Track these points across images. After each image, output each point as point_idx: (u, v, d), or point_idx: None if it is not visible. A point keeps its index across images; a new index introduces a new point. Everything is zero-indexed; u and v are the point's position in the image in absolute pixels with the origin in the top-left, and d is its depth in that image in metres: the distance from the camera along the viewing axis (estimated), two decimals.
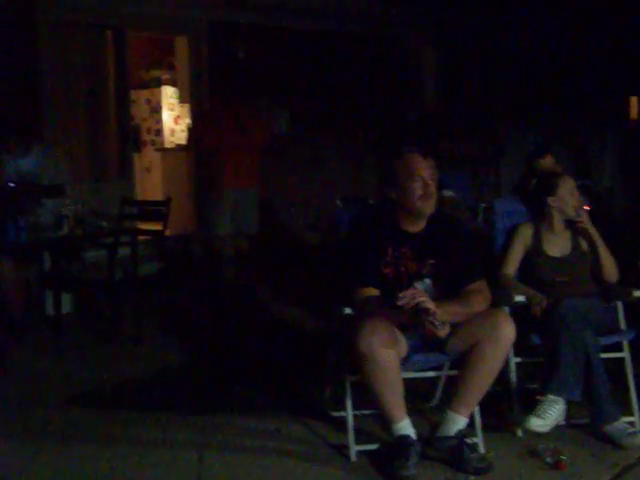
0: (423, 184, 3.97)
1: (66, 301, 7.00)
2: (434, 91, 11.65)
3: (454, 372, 4.17)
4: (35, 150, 6.85)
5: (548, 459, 3.94)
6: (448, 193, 6.89)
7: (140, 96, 11.11)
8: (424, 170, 3.99)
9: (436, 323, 3.75)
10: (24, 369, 5.67)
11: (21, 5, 7.82)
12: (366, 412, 4.26)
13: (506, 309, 4.32)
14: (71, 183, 7.07)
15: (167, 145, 11.14)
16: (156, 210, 7.34)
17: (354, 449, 4.02)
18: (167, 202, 7.19)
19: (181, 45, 10.04)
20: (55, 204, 6.43)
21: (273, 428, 4.42)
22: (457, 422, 3.94)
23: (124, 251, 6.43)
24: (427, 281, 4.05)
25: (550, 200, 4.69)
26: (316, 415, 4.55)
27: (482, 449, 4.04)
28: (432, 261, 4.06)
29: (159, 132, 11.25)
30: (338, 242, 4.55)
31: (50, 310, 6.89)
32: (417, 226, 4.08)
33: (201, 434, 4.37)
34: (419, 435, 3.91)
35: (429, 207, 4.01)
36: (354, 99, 10.34)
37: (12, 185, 6.17)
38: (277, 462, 4.03)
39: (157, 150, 11.09)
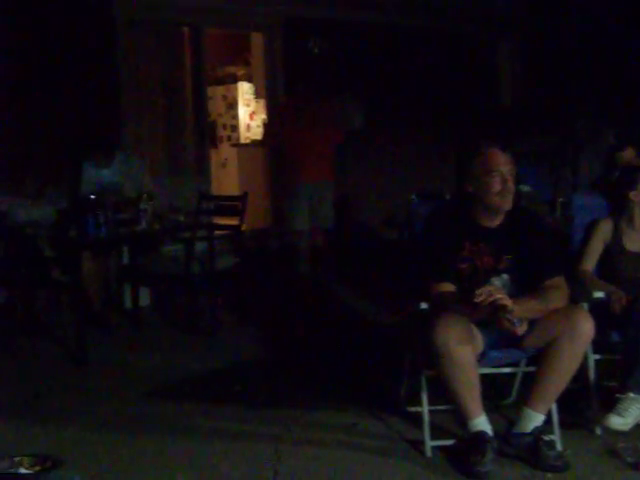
0: (501, 179, 3.93)
1: (144, 295, 7.12)
2: (512, 86, 11.52)
3: (531, 368, 4.12)
4: (118, 160, 6.98)
5: (629, 459, 3.87)
6: (525, 188, 6.80)
7: (216, 92, 11.21)
8: (502, 165, 3.95)
9: (514, 321, 3.71)
10: (104, 361, 5.77)
11: (99, 4, 7.94)
12: (442, 407, 4.23)
13: (585, 305, 4.25)
14: (151, 185, 7.20)
15: (243, 140, 11.23)
16: (232, 205, 7.40)
17: (429, 444, 4.01)
18: (243, 197, 7.24)
19: (257, 41, 10.10)
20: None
21: (349, 423, 4.43)
22: (534, 419, 3.90)
23: (201, 245, 6.51)
24: (504, 277, 4.01)
25: (631, 194, 4.61)
26: (392, 410, 4.54)
27: (559, 447, 3.98)
28: (509, 256, 4.02)
29: (235, 128, 11.35)
30: (414, 237, 4.52)
31: (128, 303, 7.01)
32: (494, 221, 4.05)
33: (278, 427, 4.40)
34: (495, 432, 3.88)
35: (507, 203, 3.96)
36: (431, 94, 10.28)
37: (93, 197, 6.29)
38: (353, 456, 4.03)
39: (233, 145, 11.19)
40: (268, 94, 9.71)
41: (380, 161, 9.91)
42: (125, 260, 7.06)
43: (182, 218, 6.72)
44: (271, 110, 9.49)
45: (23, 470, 2.08)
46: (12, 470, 2.08)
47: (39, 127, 7.54)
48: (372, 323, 6.51)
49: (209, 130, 9.71)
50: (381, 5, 9.63)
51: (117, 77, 8.18)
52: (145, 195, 6.27)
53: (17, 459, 2.07)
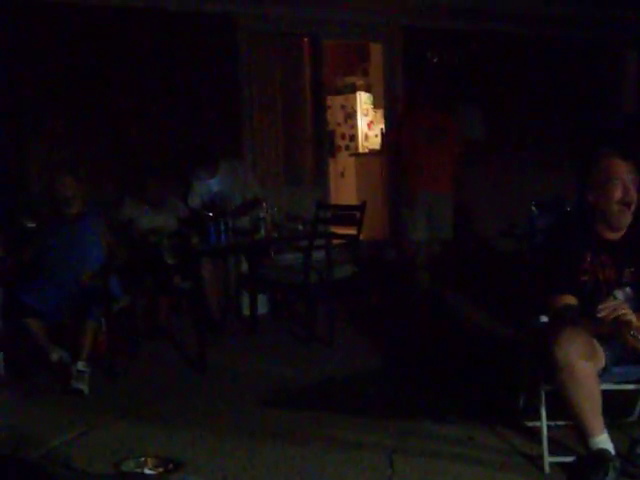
0: (623, 188, 3.84)
1: (262, 302, 7.20)
2: (636, 95, 11.21)
3: None
4: (222, 169, 7.11)
5: None
6: None
7: (335, 102, 11.28)
8: (624, 173, 3.85)
9: (638, 337, 3.60)
10: (222, 368, 5.87)
11: (221, 17, 8.10)
12: (561, 423, 4.14)
13: None
14: (262, 192, 7.29)
15: (361, 150, 11.26)
16: (350, 214, 7.42)
17: (548, 460, 3.93)
18: (361, 206, 7.26)
19: (376, 51, 10.12)
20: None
21: (465, 435, 4.38)
22: None
23: (319, 254, 6.54)
24: (628, 290, 3.90)
25: None
26: (509, 424, 4.46)
27: None
28: (632, 269, 3.91)
29: (353, 137, 11.40)
30: (534, 249, 4.45)
31: (246, 311, 7.11)
32: (616, 233, 3.95)
33: (392, 438, 4.39)
34: (617, 450, 3.77)
35: (627, 214, 3.87)
36: (551, 102, 10.10)
37: (210, 214, 6.42)
38: (469, 470, 3.99)
39: (351, 155, 11.23)
40: (387, 104, 9.72)
41: (498, 171, 9.79)
42: (244, 268, 7.17)
43: (300, 227, 6.77)
44: (390, 120, 9.48)
45: (148, 471, 2.14)
46: (137, 470, 2.14)
47: (161, 138, 7.75)
48: (489, 335, 6.42)
49: (327, 140, 9.77)
50: (501, 15, 9.51)
51: (237, 87, 8.32)
52: (265, 204, 6.36)
53: (142, 459, 2.13)
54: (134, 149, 7.62)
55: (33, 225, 6.32)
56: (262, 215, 6.29)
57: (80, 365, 5.42)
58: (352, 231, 7.19)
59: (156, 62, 7.78)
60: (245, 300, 7.16)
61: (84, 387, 5.35)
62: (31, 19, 7.22)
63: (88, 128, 7.45)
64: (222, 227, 6.03)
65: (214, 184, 7.14)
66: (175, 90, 7.87)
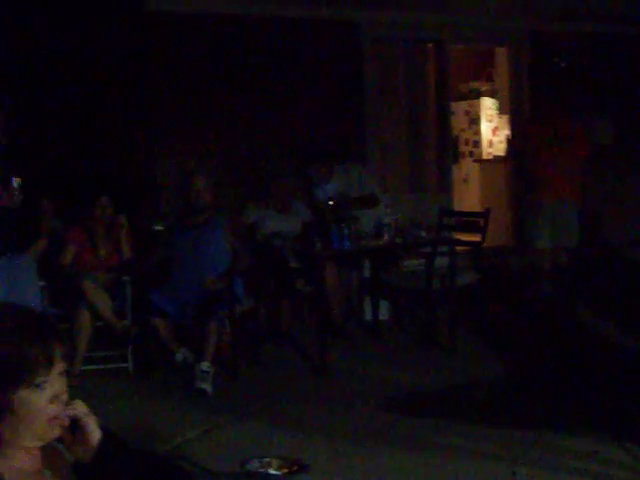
0: None
1: (384, 308, 7.20)
2: None
3: None
4: (337, 173, 7.14)
5: None
6: None
7: (459, 107, 11.19)
8: None
9: None
10: (343, 372, 5.90)
11: (345, 26, 8.15)
12: None
13: None
14: (381, 193, 7.29)
15: (485, 156, 11.13)
16: (474, 221, 7.35)
17: None
18: (486, 213, 7.18)
19: (501, 56, 9.99)
20: (376, 213, 6.64)
21: (590, 449, 4.27)
22: None
23: (442, 261, 6.51)
24: None
25: None
26: (638, 439, 4.33)
27: None
28: None
29: (477, 143, 11.28)
30: None
31: (368, 316, 7.13)
32: None
33: (514, 448, 4.32)
34: None
35: None
36: None
37: (331, 203, 6.47)
38: None
39: (475, 161, 11.12)
40: (512, 109, 9.59)
41: (628, 177, 9.51)
42: (366, 273, 7.19)
43: (423, 233, 6.74)
44: (515, 126, 9.35)
45: (272, 471, 2.17)
46: (262, 470, 2.18)
47: (287, 142, 7.84)
48: (617, 346, 6.25)
49: (451, 146, 9.69)
50: (630, 17, 9.25)
51: (361, 94, 8.35)
52: (384, 206, 6.37)
53: (266, 460, 2.16)
54: (260, 154, 7.73)
55: (161, 228, 6.49)
56: (385, 221, 6.29)
57: (204, 365, 5.53)
58: (476, 238, 7.13)
59: (282, 69, 7.88)
60: (367, 305, 7.18)
61: (208, 387, 5.45)
62: (160, 30, 7.43)
63: (216, 133, 7.60)
64: (345, 232, 6.06)
65: (330, 188, 7.16)
66: (300, 96, 7.95)
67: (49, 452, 1.85)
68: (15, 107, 5.34)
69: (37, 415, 1.75)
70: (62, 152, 6.95)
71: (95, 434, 1.82)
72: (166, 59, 7.48)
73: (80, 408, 1.81)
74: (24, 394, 1.73)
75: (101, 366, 5.98)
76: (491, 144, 11.20)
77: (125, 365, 5.97)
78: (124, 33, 7.27)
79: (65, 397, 1.77)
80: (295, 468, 2.14)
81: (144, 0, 7.30)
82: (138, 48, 7.35)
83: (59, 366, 1.78)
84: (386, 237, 6.29)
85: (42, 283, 5.64)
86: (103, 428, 1.83)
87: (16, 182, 4.70)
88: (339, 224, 6.08)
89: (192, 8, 7.47)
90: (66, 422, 1.79)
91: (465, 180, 11.04)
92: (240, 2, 7.64)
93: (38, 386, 1.74)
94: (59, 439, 1.82)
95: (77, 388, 4.39)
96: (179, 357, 5.79)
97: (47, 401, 1.75)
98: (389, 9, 8.24)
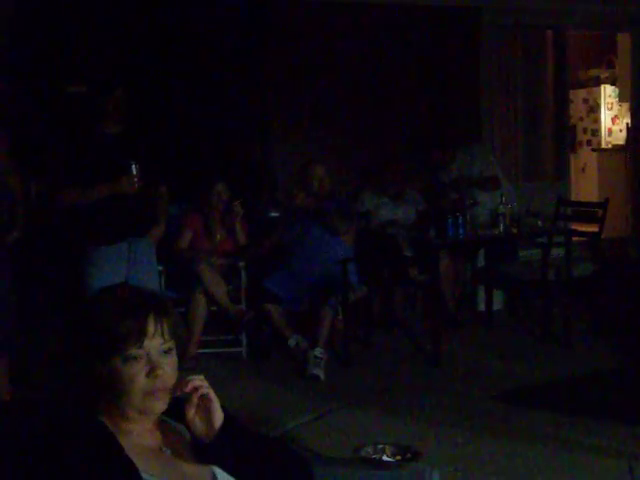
0: None
1: (498, 298, 7.12)
2: None
3: None
4: (460, 155, 7.06)
5: None
6: None
7: (577, 95, 10.97)
8: None
9: None
10: (455, 361, 5.86)
11: (464, 13, 8.06)
12: None
13: None
14: (504, 178, 7.18)
15: (604, 145, 10.89)
16: (592, 211, 7.20)
17: None
18: (604, 204, 7.02)
19: (624, 42, 9.74)
20: (492, 202, 6.56)
21: None
22: None
23: (558, 251, 6.39)
24: None
25: None
26: None
27: None
28: None
29: (596, 132, 11.04)
30: None
31: (482, 306, 7.06)
32: None
33: (632, 444, 4.22)
34: None
35: None
36: None
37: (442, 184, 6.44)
38: None
39: (593, 150, 10.88)
40: (634, 97, 9.33)
41: None
42: (480, 262, 7.11)
43: (540, 223, 6.63)
44: (637, 114, 9.10)
45: (386, 458, 2.17)
46: (375, 456, 2.18)
47: (404, 130, 7.81)
48: None
49: (569, 134, 9.50)
50: None
51: (478, 81, 8.25)
52: (504, 199, 6.28)
53: (380, 446, 2.17)
54: (375, 141, 7.72)
55: (277, 215, 6.56)
56: (500, 211, 6.21)
57: (317, 351, 5.57)
58: (593, 228, 6.99)
59: (400, 55, 7.84)
60: (481, 295, 7.11)
61: (320, 373, 5.50)
62: (278, 19, 7.49)
63: (329, 122, 7.62)
64: (460, 221, 6.01)
65: (453, 171, 7.09)
66: (418, 83, 7.90)
67: (168, 431, 1.88)
68: (136, 94, 5.45)
69: (130, 387, 1.76)
70: (180, 139, 7.08)
71: (219, 415, 1.85)
72: (284, 47, 7.52)
73: (210, 391, 1.85)
74: (115, 364, 1.76)
75: (215, 350, 6.09)
76: (610, 133, 10.94)
77: (239, 349, 6.06)
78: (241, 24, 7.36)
79: (161, 372, 1.77)
80: (408, 455, 2.14)
81: None
82: (255, 35, 7.43)
83: (156, 341, 1.79)
84: (501, 227, 6.21)
85: (160, 267, 5.76)
86: (224, 409, 1.86)
87: (135, 169, 4.81)
88: (454, 213, 6.02)
89: None
90: (195, 399, 1.82)
91: (582, 169, 10.82)
92: None
93: (128, 358, 1.76)
94: (180, 418, 1.86)
95: (192, 371, 4.47)
96: (292, 342, 5.85)
97: (139, 374, 1.77)
98: None
